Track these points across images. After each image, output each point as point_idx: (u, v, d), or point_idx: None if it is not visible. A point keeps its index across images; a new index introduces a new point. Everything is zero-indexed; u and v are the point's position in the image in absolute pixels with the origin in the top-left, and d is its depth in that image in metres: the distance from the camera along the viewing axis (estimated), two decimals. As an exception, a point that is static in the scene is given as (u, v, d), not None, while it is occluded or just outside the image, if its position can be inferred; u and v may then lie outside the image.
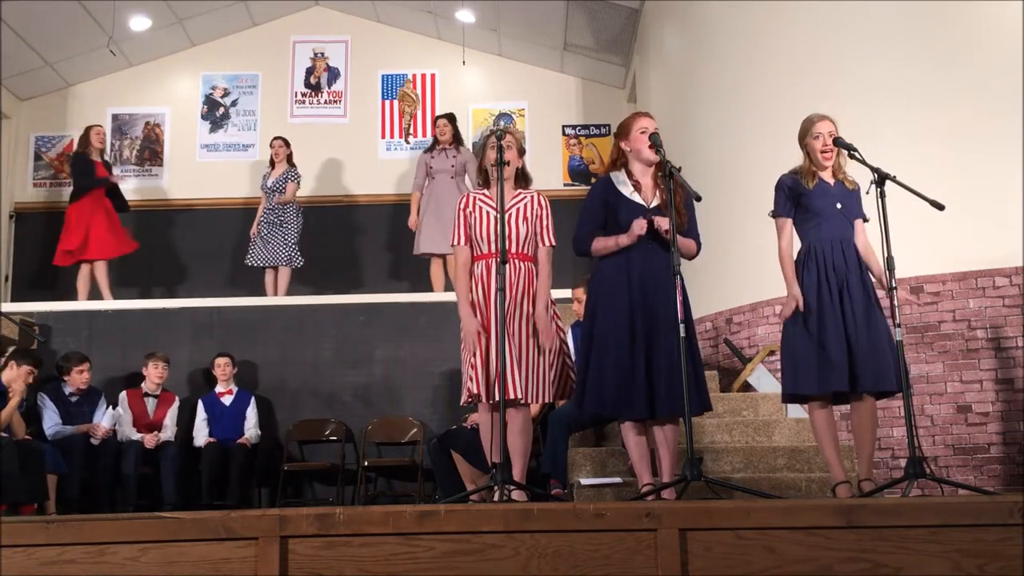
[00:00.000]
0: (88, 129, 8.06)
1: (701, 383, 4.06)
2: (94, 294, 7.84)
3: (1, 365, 5.86)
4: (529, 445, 4.24)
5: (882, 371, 4.00)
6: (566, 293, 5.96)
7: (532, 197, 4.30)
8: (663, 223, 3.95)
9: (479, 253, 4.24)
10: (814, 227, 4.20)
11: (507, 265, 4.03)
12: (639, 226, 3.98)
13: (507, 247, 4.06)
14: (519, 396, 4.02)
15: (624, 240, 4.03)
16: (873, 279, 4.20)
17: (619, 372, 3.94)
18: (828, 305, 4.08)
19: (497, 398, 3.91)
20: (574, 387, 4.21)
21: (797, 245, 4.30)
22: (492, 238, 4.14)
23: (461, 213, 4.29)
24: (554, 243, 4.28)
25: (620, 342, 3.97)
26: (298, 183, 8.21)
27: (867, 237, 4.27)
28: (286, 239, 8.03)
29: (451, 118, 8.11)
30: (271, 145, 8.37)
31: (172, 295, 8.54)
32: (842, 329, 4.04)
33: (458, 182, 7.86)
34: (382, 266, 9.50)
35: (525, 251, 4.22)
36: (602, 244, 4.13)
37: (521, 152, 4.36)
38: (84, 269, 7.89)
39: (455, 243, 4.32)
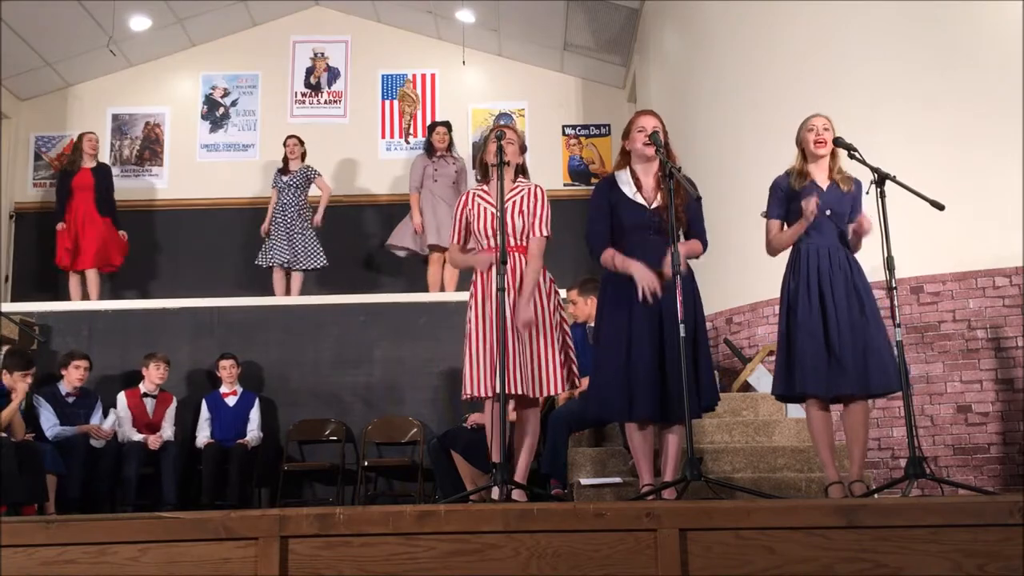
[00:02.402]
0: (80, 137, 8.28)
1: (708, 380, 4.05)
2: (87, 298, 7.94)
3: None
4: (536, 444, 4.26)
5: (871, 374, 3.98)
6: (564, 294, 5.95)
7: (529, 189, 4.28)
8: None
9: (479, 249, 4.25)
10: (802, 233, 4.17)
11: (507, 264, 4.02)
12: (640, 274, 3.93)
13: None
14: (525, 392, 4.02)
15: (632, 270, 3.95)
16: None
17: (622, 376, 3.94)
18: (811, 311, 4.06)
19: (494, 392, 3.93)
20: (576, 379, 4.22)
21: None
22: (491, 234, 4.16)
23: (460, 212, 4.31)
24: (547, 234, 4.21)
25: (622, 346, 3.96)
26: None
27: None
28: (312, 239, 8.16)
29: (449, 126, 8.32)
30: (285, 144, 8.42)
31: (172, 295, 8.52)
32: (822, 336, 4.02)
33: (458, 186, 7.97)
34: (383, 266, 9.49)
35: (522, 243, 4.20)
36: (608, 261, 4.06)
37: (523, 149, 4.37)
38: (74, 275, 8.04)
39: (453, 242, 4.36)
